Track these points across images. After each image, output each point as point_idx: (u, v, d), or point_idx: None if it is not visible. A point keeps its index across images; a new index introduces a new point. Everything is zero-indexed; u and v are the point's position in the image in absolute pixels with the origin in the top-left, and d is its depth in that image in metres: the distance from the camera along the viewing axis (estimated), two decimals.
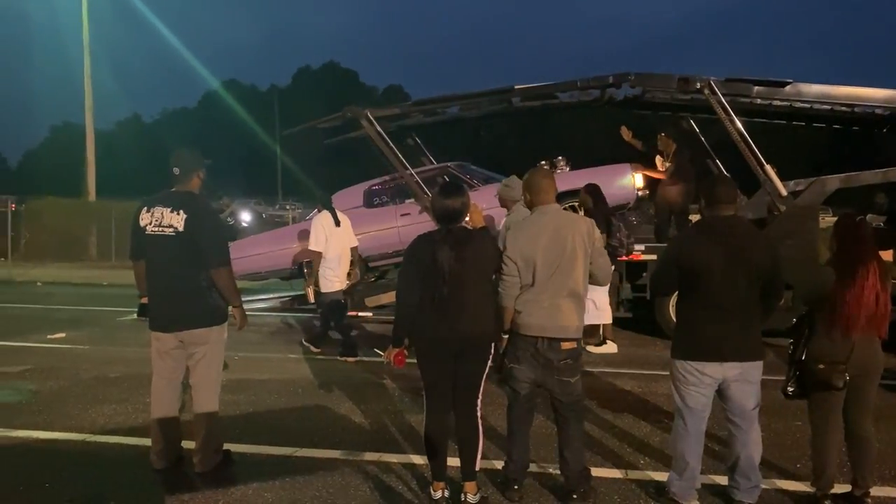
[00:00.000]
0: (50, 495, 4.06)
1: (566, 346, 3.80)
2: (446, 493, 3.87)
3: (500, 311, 3.90)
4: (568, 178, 8.94)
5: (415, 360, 3.89)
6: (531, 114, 12.72)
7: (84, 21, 23.63)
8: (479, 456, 3.88)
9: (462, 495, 3.85)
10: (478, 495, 3.86)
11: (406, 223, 9.72)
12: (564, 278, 3.79)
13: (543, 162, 9.76)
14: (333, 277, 7.51)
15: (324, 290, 7.53)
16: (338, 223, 7.56)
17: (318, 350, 7.93)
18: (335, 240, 7.49)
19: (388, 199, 10.21)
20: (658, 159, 9.56)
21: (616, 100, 9.83)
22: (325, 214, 7.63)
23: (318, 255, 7.45)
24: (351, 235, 7.78)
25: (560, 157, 9.51)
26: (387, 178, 10.37)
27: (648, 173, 9.56)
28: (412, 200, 9.91)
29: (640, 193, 9.38)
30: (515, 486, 3.98)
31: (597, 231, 3.91)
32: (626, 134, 9.77)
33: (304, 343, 8.10)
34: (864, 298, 3.58)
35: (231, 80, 68.13)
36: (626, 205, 9.44)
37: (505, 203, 6.28)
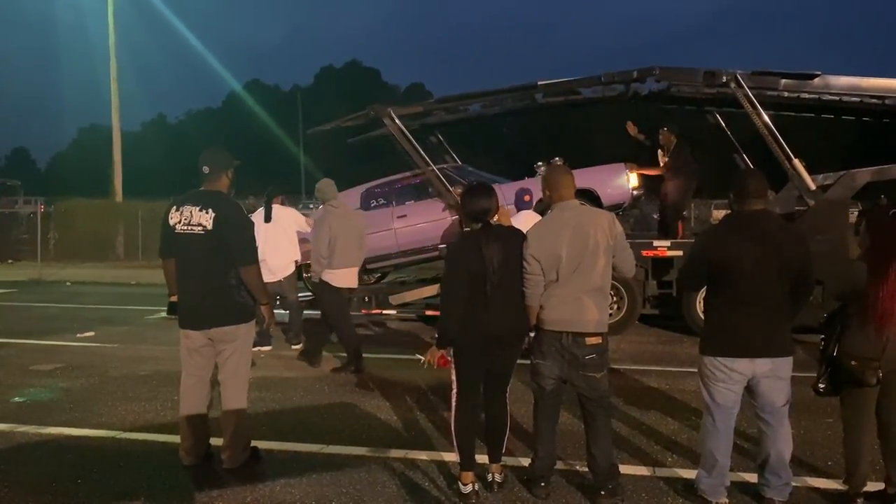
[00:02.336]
0: (81, 491, 4.11)
1: (591, 341, 3.80)
2: (476, 486, 3.88)
3: (527, 309, 3.92)
4: None
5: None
6: (555, 110, 12.67)
7: (110, 24, 23.94)
8: (505, 439, 4.07)
9: (489, 475, 4.03)
10: (503, 475, 4.08)
11: (402, 225, 9.76)
12: (588, 273, 3.78)
13: (540, 163, 9.77)
14: (263, 270, 7.83)
15: None
16: (268, 219, 7.92)
17: (300, 346, 8.08)
18: (263, 233, 7.64)
19: (385, 201, 10.20)
20: (659, 153, 9.56)
21: (641, 95, 9.76)
22: (258, 212, 8.00)
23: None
24: (280, 231, 8.00)
25: (556, 158, 9.53)
26: (383, 180, 10.40)
27: (644, 171, 9.55)
28: (413, 202, 9.97)
29: (635, 193, 9.31)
30: (542, 483, 3.97)
31: (618, 225, 3.90)
32: (631, 129, 9.77)
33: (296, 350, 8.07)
34: None
35: (254, 80, 68.73)
36: (622, 204, 9.38)
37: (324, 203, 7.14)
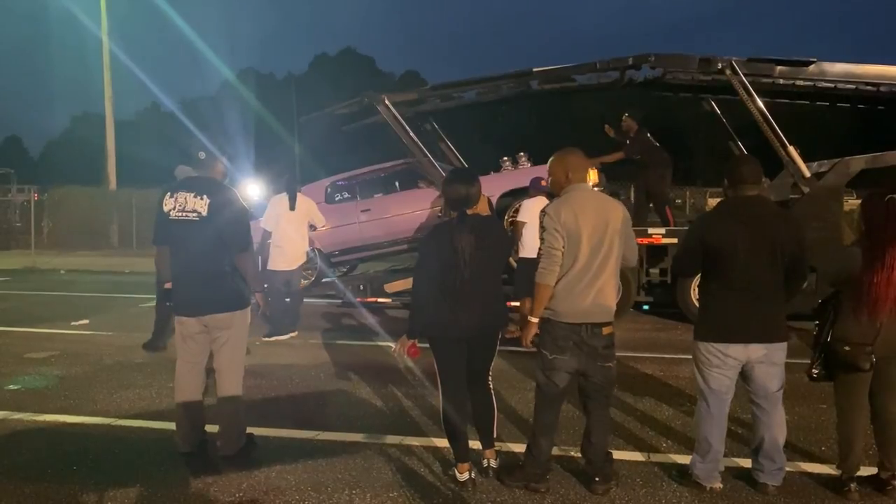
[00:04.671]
0: (77, 478, 4.11)
1: (606, 330, 3.73)
2: (473, 475, 3.89)
3: (537, 290, 3.67)
4: (529, 173, 8.60)
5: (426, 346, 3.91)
6: (550, 97, 12.65)
7: (102, 12, 23.77)
8: (495, 424, 4.05)
9: (484, 461, 4.03)
10: (497, 460, 4.05)
11: (366, 219, 9.75)
12: (607, 260, 3.68)
13: (505, 159, 9.80)
14: (278, 257, 7.83)
15: (268, 266, 7.88)
16: (292, 207, 7.83)
17: (294, 334, 8.07)
18: (284, 222, 7.77)
19: (350, 195, 10.25)
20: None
21: (636, 82, 9.74)
22: (282, 196, 7.93)
23: (266, 233, 7.87)
24: (301, 220, 7.94)
25: (521, 154, 9.60)
26: (348, 174, 10.40)
27: (603, 160, 9.59)
28: (380, 195, 10.04)
29: (596, 189, 9.30)
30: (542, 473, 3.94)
31: (628, 213, 3.85)
32: (609, 132, 9.91)
33: (267, 339, 7.91)
34: (894, 280, 3.52)
35: (248, 68, 68.18)
36: None
37: None
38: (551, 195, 3.98)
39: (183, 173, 7.15)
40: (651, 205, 9.79)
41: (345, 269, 11.07)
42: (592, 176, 9.13)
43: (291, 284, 8.16)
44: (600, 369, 3.76)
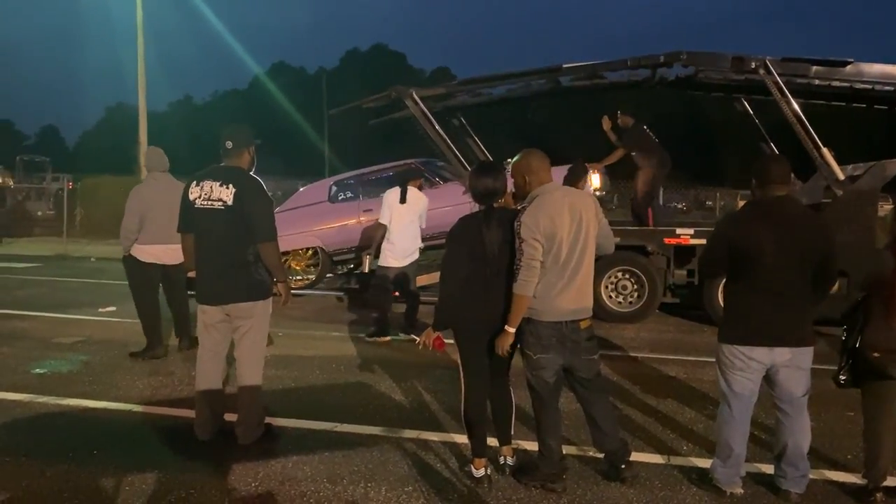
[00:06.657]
0: (97, 462, 4.16)
1: (584, 324, 3.75)
2: (489, 471, 3.87)
3: (518, 301, 3.63)
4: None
5: (452, 341, 3.88)
6: (580, 94, 12.52)
7: (138, 4, 24.04)
8: (513, 420, 4.04)
9: (501, 458, 4.01)
10: (514, 457, 4.03)
11: (369, 219, 9.61)
12: (584, 254, 3.70)
13: (509, 160, 9.65)
14: (387, 252, 7.46)
15: (379, 263, 7.55)
16: (402, 200, 7.42)
17: (388, 339, 7.59)
18: (396, 215, 7.40)
19: (353, 194, 10.29)
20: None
21: (667, 80, 9.62)
22: (394, 190, 7.53)
23: (382, 227, 7.45)
24: (414, 215, 7.48)
25: (508, 159, 9.46)
26: (352, 173, 10.41)
27: (605, 162, 9.46)
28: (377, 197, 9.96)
29: (598, 193, 9.11)
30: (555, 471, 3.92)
31: (598, 202, 3.87)
32: (606, 124, 9.66)
33: (369, 339, 7.61)
34: None
35: (280, 62, 68.91)
36: None
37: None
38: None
39: (151, 155, 6.97)
40: (632, 200, 9.65)
41: (350, 268, 11.05)
42: (595, 181, 9.03)
43: (403, 283, 7.65)
44: (586, 363, 3.78)
